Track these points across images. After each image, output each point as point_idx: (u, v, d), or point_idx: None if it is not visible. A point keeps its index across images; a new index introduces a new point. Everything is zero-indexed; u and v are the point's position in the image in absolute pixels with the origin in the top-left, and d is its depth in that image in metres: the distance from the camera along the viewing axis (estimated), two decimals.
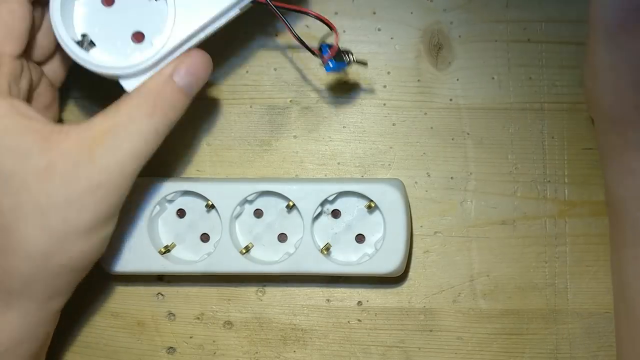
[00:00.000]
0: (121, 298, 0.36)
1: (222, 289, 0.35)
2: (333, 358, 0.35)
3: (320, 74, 0.35)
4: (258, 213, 0.34)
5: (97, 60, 0.27)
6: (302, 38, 0.29)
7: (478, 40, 0.35)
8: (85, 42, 0.27)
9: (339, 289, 0.35)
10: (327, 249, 0.33)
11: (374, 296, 0.35)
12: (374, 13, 0.35)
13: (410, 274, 0.35)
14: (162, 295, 0.36)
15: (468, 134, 0.35)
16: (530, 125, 0.35)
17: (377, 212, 0.33)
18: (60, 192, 0.25)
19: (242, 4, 0.28)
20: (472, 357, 0.35)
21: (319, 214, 0.33)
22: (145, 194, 0.33)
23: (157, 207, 0.33)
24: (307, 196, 0.32)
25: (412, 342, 0.35)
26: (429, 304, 0.35)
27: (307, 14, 0.30)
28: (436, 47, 0.35)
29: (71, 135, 0.25)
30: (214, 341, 0.35)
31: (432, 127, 0.35)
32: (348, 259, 0.34)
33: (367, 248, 0.34)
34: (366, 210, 0.33)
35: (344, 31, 0.35)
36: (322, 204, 0.33)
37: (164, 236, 0.34)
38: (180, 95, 0.28)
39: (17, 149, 0.24)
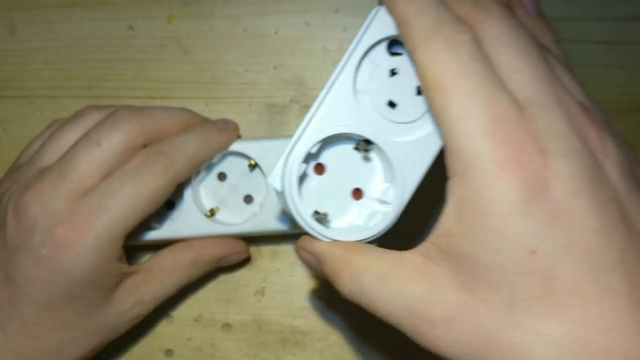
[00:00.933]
0: None
1: (221, 291, 0.35)
2: None
3: (320, 73, 0.35)
4: (222, 177, 0.33)
5: (340, 236, 0.25)
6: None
7: None
8: (321, 218, 0.25)
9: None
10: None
11: None
12: None
13: None
14: None
15: None
16: None
17: None
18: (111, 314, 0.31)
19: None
20: None
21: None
22: None
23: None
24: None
25: (414, 344, 0.35)
26: None
27: None
28: None
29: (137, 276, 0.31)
30: (212, 343, 0.35)
31: None
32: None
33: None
34: None
35: (344, 29, 0.35)
36: None
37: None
38: None
39: (101, 286, 0.29)
